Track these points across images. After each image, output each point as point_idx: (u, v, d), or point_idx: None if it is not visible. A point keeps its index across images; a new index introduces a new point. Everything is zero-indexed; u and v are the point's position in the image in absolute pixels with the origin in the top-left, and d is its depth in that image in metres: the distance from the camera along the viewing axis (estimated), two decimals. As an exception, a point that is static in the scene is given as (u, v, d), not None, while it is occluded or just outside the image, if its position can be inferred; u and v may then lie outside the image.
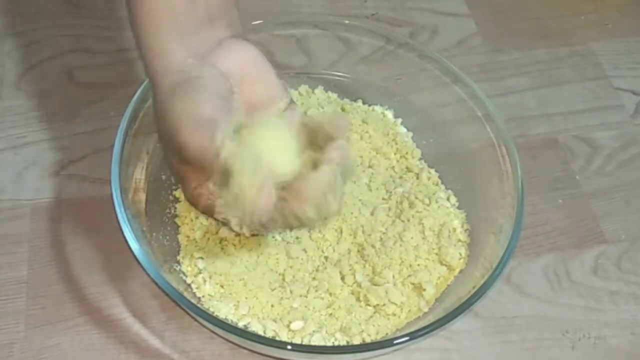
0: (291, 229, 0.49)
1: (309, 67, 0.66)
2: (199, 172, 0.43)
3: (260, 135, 0.44)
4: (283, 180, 0.43)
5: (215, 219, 0.45)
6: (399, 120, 0.65)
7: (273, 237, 0.56)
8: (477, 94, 0.59)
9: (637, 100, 0.71)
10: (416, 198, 0.59)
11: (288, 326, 0.53)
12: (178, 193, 0.59)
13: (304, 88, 0.66)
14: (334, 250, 0.57)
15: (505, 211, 0.54)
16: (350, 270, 0.56)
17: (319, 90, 0.66)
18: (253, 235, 0.52)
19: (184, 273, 0.55)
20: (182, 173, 0.45)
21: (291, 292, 0.54)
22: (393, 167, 0.63)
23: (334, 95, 0.66)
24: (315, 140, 0.45)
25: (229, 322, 0.52)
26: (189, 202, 0.46)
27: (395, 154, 0.63)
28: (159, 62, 0.43)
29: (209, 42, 0.44)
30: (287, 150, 0.44)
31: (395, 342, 0.48)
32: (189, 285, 0.54)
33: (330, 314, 0.54)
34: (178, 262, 0.56)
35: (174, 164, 0.45)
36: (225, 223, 0.44)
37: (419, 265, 0.56)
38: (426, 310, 0.54)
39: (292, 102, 0.48)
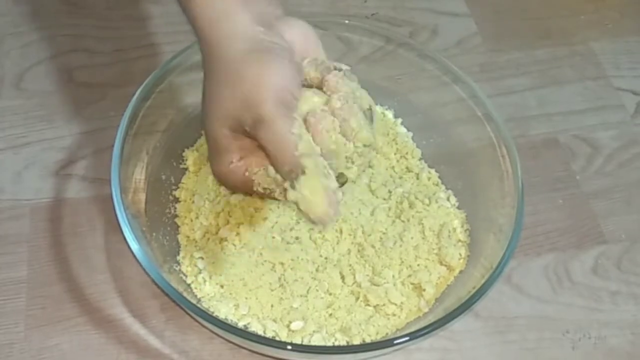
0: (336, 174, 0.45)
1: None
2: (248, 147, 0.42)
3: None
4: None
5: (251, 192, 0.44)
6: (399, 120, 0.65)
7: (273, 237, 0.56)
8: (477, 93, 0.59)
9: (637, 100, 0.71)
10: (416, 198, 0.59)
11: (288, 326, 0.53)
12: (178, 193, 0.59)
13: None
14: (334, 250, 0.57)
15: (506, 211, 0.54)
16: (350, 270, 0.56)
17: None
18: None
19: (184, 273, 0.55)
20: (227, 145, 0.43)
21: (291, 292, 0.54)
22: (393, 167, 0.63)
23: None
24: None
25: (229, 322, 0.52)
26: (219, 176, 0.44)
27: (395, 154, 0.63)
28: (223, 24, 0.41)
29: (270, 14, 0.43)
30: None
31: (395, 342, 0.48)
32: (189, 285, 0.54)
33: (330, 314, 0.54)
34: (178, 262, 0.56)
35: (221, 134, 0.43)
36: (263, 193, 0.44)
37: (418, 265, 0.56)
38: (426, 310, 0.54)
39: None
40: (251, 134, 0.42)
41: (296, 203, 0.43)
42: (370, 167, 0.62)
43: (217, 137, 0.43)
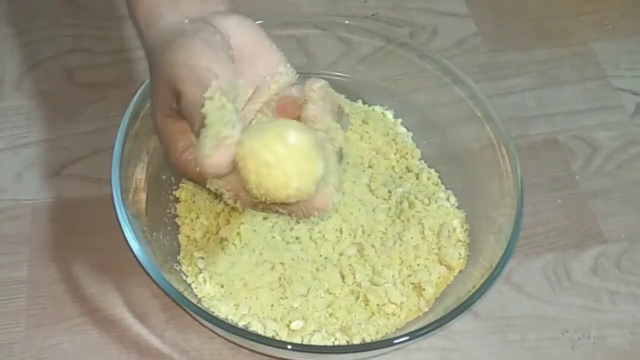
0: (278, 207, 0.43)
1: (308, 68, 0.66)
2: (186, 129, 0.42)
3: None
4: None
5: (209, 190, 0.43)
6: (399, 120, 0.65)
7: (273, 237, 0.57)
8: (477, 94, 0.59)
9: (637, 100, 0.71)
10: (416, 198, 0.59)
11: (288, 326, 0.53)
12: (178, 193, 0.59)
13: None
14: (334, 250, 0.57)
15: (505, 211, 0.54)
16: (350, 270, 0.56)
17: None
18: (253, 207, 0.45)
19: (184, 273, 0.55)
20: (169, 132, 0.43)
21: (291, 292, 0.54)
22: (393, 167, 0.63)
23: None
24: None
25: (229, 322, 0.52)
26: (177, 169, 0.44)
27: (395, 154, 0.63)
28: (156, 28, 0.43)
29: (205, 11, 0.44)
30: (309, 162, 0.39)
31: (395, 342, 0.48)
32: (189, 285, 0.55)
33: (330, 314, 0.54)
34: (178, 262, 0.56)
35: (162, 123, 0.43)
36: (219, 195, 0.42)
37: (418, 265, 0.56)
38: (426, 310, 0.54)
39: (298, 80, 0.46)
40: (179, 111, 0.42)
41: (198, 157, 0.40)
42: (370, 167, 0.62)
43: (159, 127, 0.44)
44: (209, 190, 0.43)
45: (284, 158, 0.38)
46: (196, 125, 0.40)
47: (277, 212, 0.43)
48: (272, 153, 0.38)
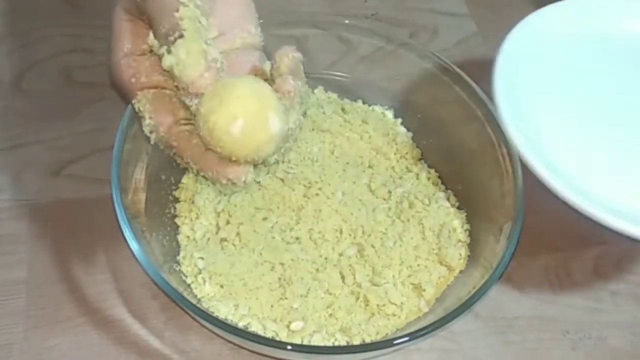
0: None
1: (308, 67, 0.65)
2: (141, 33, 0.41)
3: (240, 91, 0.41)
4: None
5: (128, 102, 0.43)
6: (399, 121, 0.65)
7: (273, 237, 0.56)
8: (477, 93, 0.59)
9: (637, 100, 0.71)
10: (416, 198, 0.59)
11: (288, 326, 0.53)
12: (178, 193, 0.59)
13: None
14: (333, 251, 0.57)
15: (506, 211, 0.54)
16: (350, 270, 0.55)
17: (319, 90, 0.66)
18: (165, 147, 0.47)
19: (183, 273, 0.55)
20: (121, 29, 0.41)
21: (291, 292, 0.54)
22: (393, 167, 0.63)
23: (333, 95, 0.66)
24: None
25: (229, 322, 0.52)
26: (112, 70, 0.42)
27: (395, 154, 0.63)
28: None
29: None
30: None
31: (395, 342, 0.48)
32: (188, 285, 0.54)
33: (330, 314, 0.54)
34: (178, 262, 0.56)
35: (117, 15, 0.41)
36: (136, 116, 0.42)
37: (419, 265, 0.56)
38: (426, 310, 0.54)
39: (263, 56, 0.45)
40: (141, 6, 0.41)
41: (170, 68, 0.40)
42: (370, 167, 0.62)
43: (114, 23, 0.43)
44: (128, 103, 0.42)
45: (257, 119, 0.40)
46: (164, 27, 0.39)
47: (185, 164, 0.43)
48: (248, 108, 0.39)
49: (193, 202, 0.58)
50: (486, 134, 0.58)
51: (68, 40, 0.71)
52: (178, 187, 0.59)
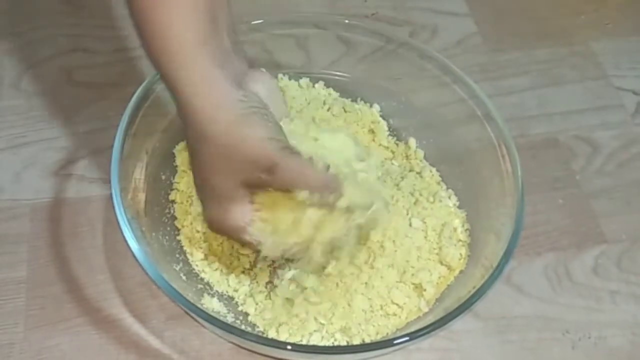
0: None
1: (308, 67, 0.66)
2: (250, 196, 0.46)
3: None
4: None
5: (242, 242, 0.48)
6: (396, 120, 0.65)
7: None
8: (477, 93, 0.59)
9: (637, 99, 0.71)
10: (421, 195, 0.59)
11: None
12: (173, 196, 0.58)
13: (304, 81, 0.65)
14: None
15: (506, 211, 0.54)
16: (350, 270, 0.55)
17: (320, 85, 0.66)
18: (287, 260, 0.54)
19: (183, 273, 0.55)
20: (241, 199, 0.46)
21: (292, 292, 0.54)
22: (395, 166, 0.63)
23: (335, 93, 0.66)
24: None
25: (229, 322, 0.52)
26: (229, 228, 0.47)
27: (395, 153, 0.63)
28: (207, 94, 0.44)
29: (240, 73, 0.47)
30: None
31: (395, 342, 0.48)
32: (188, 284, 0.54)
33: (331, 314, 0.54)
34: (178, 262, 0.56)
35: (234, 189, 0.46)
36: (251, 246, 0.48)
37: (419, 265, 0.56)
38: (426, 310, 0.54)
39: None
40: (267, 182, 0.45)
41: (348, 207, 0.47)
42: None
43: (230, 193, 0.46)
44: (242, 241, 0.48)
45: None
46: (331, 185, 0.46)
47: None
48: None
49: (190, 205, 0.58)
50: (487, 134, 0.58)
51: (68, 41, 0.71)
52: (176, 188, 0.59)
